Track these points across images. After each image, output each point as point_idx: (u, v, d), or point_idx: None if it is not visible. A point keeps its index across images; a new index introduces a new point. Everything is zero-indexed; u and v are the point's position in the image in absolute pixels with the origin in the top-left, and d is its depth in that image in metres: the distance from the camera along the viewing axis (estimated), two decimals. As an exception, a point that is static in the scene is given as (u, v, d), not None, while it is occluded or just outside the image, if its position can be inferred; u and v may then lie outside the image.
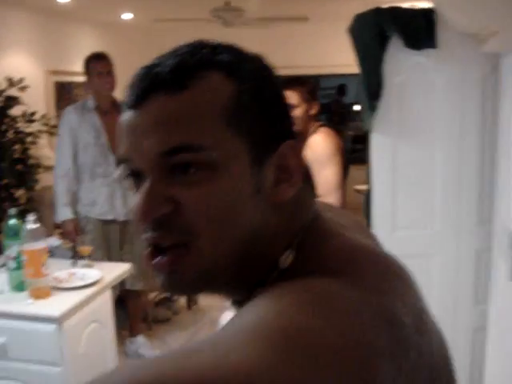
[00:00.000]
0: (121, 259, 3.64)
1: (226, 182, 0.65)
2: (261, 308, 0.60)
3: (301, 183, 0.70)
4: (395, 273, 0.72)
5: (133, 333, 4.14)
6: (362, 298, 0.61)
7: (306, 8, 5.08)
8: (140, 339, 4.09)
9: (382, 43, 2.41)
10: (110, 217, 3.69)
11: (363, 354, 0.55)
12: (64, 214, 3.62)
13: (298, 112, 2.92)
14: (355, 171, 3.18)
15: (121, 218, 3.73)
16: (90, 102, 3.67)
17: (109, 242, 3.75)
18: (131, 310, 4.08)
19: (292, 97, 2.93)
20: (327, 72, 6.79)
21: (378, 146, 2.56)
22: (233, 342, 0.54)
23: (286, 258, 0.70)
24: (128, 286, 3.90)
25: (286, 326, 0.54)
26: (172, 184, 0.66)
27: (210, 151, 0.64)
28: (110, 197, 3.68)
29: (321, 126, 2.99)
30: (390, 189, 2.56)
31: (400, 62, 2.46)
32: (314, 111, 2.97)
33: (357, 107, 9.73)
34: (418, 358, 0.63)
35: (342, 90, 9.99)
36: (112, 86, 3.66)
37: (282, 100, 0.74)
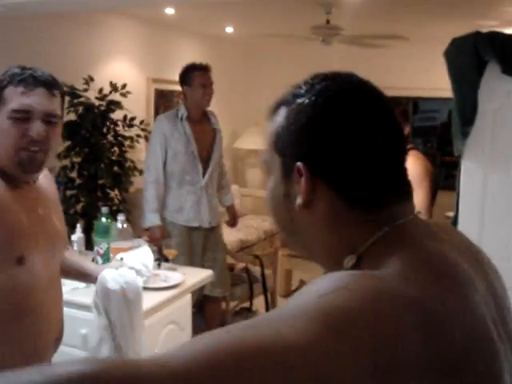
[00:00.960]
0: (202, 265, 3.71)
1: (271, 182, 0.94)
2: (314, 288, 0.72)
3: (305, 198, 0.85)
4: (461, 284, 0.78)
5: None
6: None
7: (404, 29, 5.03)
8: None
9: (478, 68, 2.36)
10: (195, 224, 3.75)
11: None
12: (152, 220, 3.71)
13: None
14: (449, 197, 3.10)
15: (206, 225, 3.80)
16: (183, 111, 3.74)
17: (192, 248, 3.81)
18: (208, 316, 4.11)
19: None
20: (425, 95, 6.67)
21: (468, 173, 2.50)
22: (289, 319, 0.66)
23: (348, 262, 0.83)
24: (207, 292, 3.96)
25: (330, 308, 0.67)
26: None
27: (267, 163, 0.96)
28: (196, 204, 3.74)
29: (411, 148, 2.96)
30: (477, 218, 2.50)
31: (496, 88, 2.40)
32: (405, 133, 2.95)
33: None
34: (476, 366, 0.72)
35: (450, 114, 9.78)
36: (211, 99, 3.73)
37: (311, 130, 0.85)
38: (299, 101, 0.86)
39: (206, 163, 3.80)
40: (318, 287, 0.71)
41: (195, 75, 3.69)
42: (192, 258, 3.72)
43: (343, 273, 0.75)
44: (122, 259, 2.28)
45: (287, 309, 0.69)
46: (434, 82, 5.73)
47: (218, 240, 4.00)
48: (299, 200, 0.86)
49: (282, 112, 0.91)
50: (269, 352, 0.61)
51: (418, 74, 5.93)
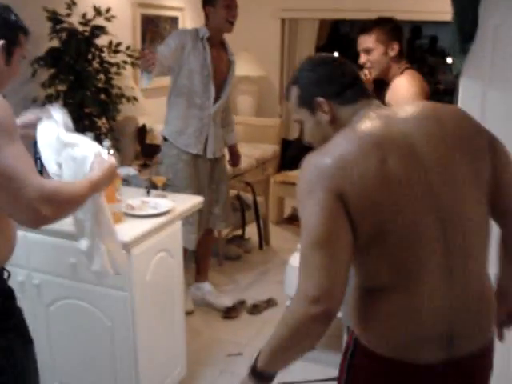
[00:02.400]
0: (208, 199, 3.64)
1: (307, 127, 1.64)
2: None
3: (330, 114, 1.58)
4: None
5: (199, 277, 4.08)
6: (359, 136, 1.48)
7: None
8: (206, 286, 4.03)
9: (479, -21, 2.24)
10: (193, 151, 3.60)
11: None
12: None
13: (373, 55, 2.82)
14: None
15: (209, 155, 3.67)
16: (204, 31, 3.53)
17: (199, 179, 3.68)
18: (201, 251, 3.98)
19: (366, 41, 2.83)
20: (422, 18, 6.47)
21: (467, 90, 2.41)
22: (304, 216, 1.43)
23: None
24: (211, 226, 3.90)
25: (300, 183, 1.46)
26: None
27: (300, 120, 1.66)
28: (198, 131, 3.59)
29: (406, 68, 2.85)
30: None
31: (498, 2, 2.28)
32: (394, 52, 2.83)
33: (449, 60, 9.31)
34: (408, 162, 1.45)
35: (434, 41, 9.57)
36: (234, 23, 3.55)
37: (319, 83, 1.61)
38: (302, 74, 1.63)
39: (218, 92, 3.63)
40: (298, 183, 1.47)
41: None
42: (200, 191, 3.56)
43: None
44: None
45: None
46: (429, 5, 5.55)
47: (222, 171, 3.89)
48: (327, 118, 1.57)
49: (294, 88, 1.63)
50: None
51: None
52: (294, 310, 1.37)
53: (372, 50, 2.83)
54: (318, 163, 1.43)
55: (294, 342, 1.41)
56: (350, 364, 1.56)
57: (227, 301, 3.95)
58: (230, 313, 3.89)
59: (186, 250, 3.17)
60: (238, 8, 3.55)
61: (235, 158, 4.13)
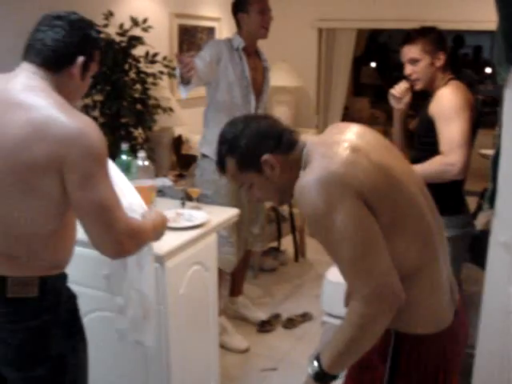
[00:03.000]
0: (248, 218, 3.59)
1: (256, 188, 1.73)
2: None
3: (279, 166, 1.66)
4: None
5: (234, 292, 3.99)
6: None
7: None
8: (241, 299, 3.96)
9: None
10: None
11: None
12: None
13: (419, 66, 2.73)
14: (481, 136, 2.93)
15: None
16: (239, 41, 3.43)
17: (240, 197, 3.48)
18: (237, 269, 3.75)
19: (411, 51, 2.74)
20: (465, 28, 6.32)
21: (513, 102, 2.31)
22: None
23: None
24: (248, 247, 3.78)
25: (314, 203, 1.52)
26: None
27: (244, 183, 1.74)
28: None
29: (451, 78, 2.76)
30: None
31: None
32: (440, 62, 2.75)
33: (488, 70, 9.13)
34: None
35: (478, 51, 9.39)
36: (269, 28, 3.43)
37: (256, 143, 1.67)
38: (233, 142, 1.67)
39: (257, 102, 3.53)
40: (307, 204, 1.54)
41: (252, 0, 3.38)
42: (240, 209, 3.23)
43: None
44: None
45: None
46: (473, 14, 5.42)
47: None
48: (277, 171, 1.65)
49: (229, 159, 1.68)
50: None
51: (459, 5, 5.59)
52: (364, 313, 1.47)
53: (418, 61, 2.73)
54: (328, 179, 1.50)
55: (366, 340, 1.52)
56: (393, 360, 1.63)
57: (262, 314, 3.89)
58: (264, 326, 3.83)
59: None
60: (271, 12, 3.45)
61: None
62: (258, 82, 3.57)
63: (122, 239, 1.63)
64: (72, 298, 1.90)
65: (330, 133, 1.74)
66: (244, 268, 3.97)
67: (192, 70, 2.98)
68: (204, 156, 3.55)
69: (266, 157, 1.62)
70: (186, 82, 3.10)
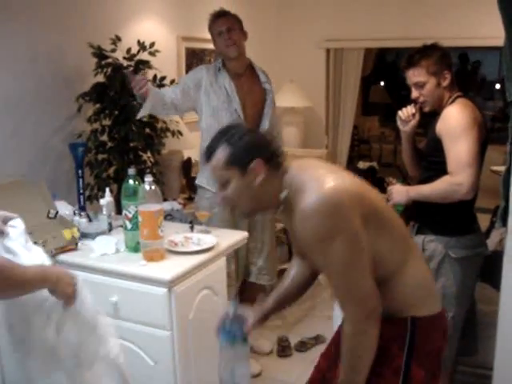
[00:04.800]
0: (247, 248, 3.45)
1: (231, 188, 1.75)
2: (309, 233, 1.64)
3: (264, 174, 1.72)
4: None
5: None
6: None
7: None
8: None
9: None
10: None
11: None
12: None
13: (426, 89, 2.70)
14: (492, 152, 2.89)
15: None
16: (219, 62, 3.47)
17: (236, 226, 3.38)
18: (244, 298, 3.50)
19: (415, 74, 2.71)
20: (470, 44, 6.32)
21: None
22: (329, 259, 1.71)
23: (283, 195, 1.74)
24: (252, 279, 3.64)
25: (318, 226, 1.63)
26: None
27: (222, 179, 1.76)
28: None
29: (458, 96, 2.73)
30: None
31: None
32: (446, 82, 2.71)
33: (498, 86, 9.10)
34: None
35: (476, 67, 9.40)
36: (234, 45, 3.39)
37: (256, 146, 1.74)
38: (235, 136, 1.72)
39: (254, 126, 3.35)
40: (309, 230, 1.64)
41: (211, 24, 3.48)
42: None
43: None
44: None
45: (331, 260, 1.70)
46: (476, 30, 5.41)
47: (266, 219, 3.58)
48: (259, 179, 1.71)
49: (223, 147, 1.71)
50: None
51: (464, 22, 5.59)
52: (361, 330, 1.65)
53: (424, 84, 2.70)
54: (332, 200, 1.61)
55: (366, 353, 1.68)
56: (411, 341, 1.76)
57: (266, 345, 3.82)
58: (284, 351, 3.80)
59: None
60: (235, 30, 3.43)
61: None
62: (255, 105, 3.49)
63: None
64: None
65: (303, 164, 1.88)
66: (252, 301, 3.87)
67: (144, 88, 3.13)
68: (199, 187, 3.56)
69: (257, 161, 1.69)
70: (142, 99, 3.23)
